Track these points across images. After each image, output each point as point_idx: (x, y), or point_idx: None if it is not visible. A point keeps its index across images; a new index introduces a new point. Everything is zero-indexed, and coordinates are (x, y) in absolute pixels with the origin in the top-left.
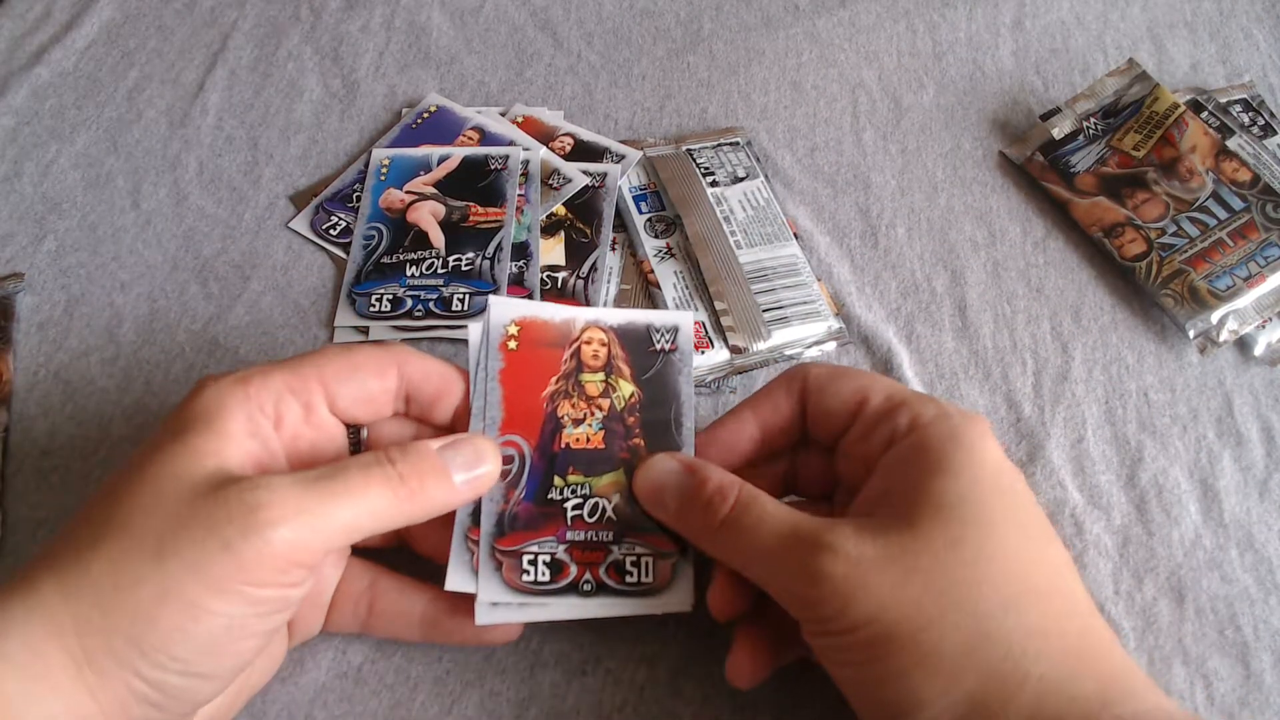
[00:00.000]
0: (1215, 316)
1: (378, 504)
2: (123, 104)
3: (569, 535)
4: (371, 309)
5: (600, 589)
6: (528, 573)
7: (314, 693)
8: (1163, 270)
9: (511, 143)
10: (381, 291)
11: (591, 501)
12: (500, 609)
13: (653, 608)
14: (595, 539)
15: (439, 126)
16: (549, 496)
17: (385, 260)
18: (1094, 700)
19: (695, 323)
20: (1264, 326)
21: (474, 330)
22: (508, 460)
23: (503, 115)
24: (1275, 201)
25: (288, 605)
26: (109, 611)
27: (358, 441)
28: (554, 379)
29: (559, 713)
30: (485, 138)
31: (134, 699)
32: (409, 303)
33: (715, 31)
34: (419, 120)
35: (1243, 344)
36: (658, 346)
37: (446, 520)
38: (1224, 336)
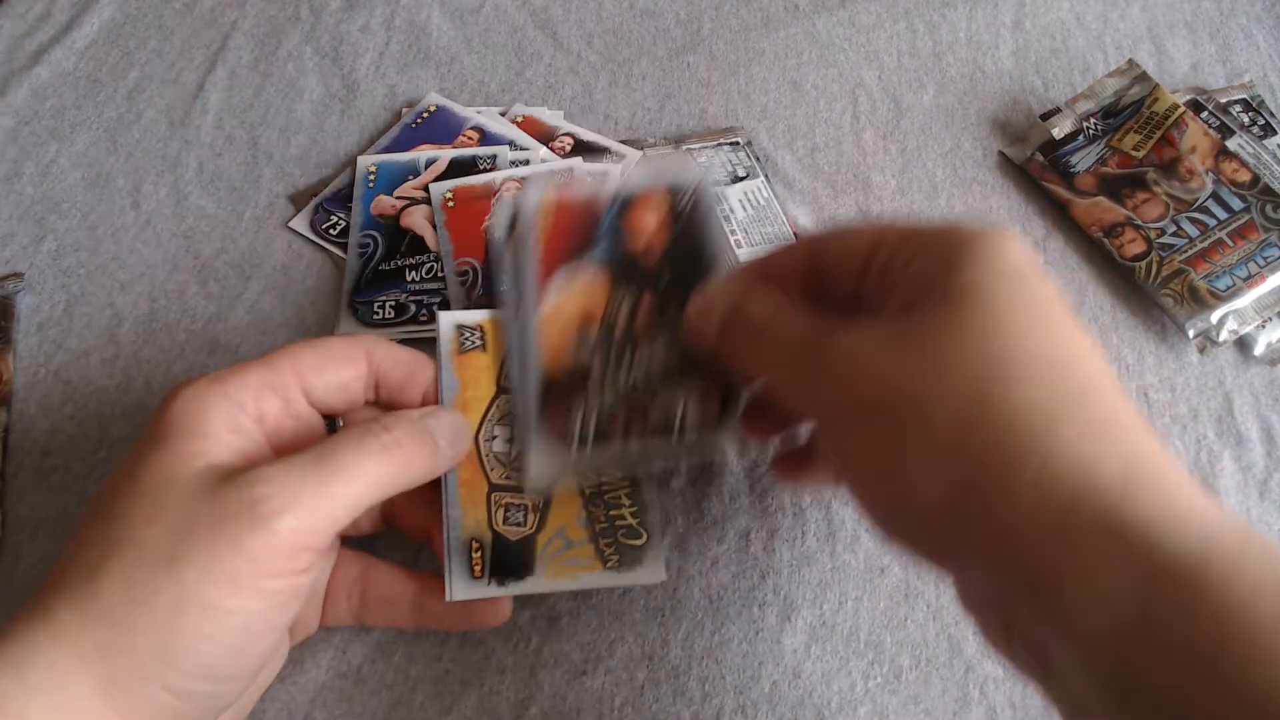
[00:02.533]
0: (1215, 316)
1: (374, 475)
2: (123, 104)
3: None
4: (375, 316)
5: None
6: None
7: (314, 692)
8: (1162, 270)
9: (511, 143)
10: (384, 298)
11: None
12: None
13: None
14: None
15: (439, 126)
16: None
17: (384, 267)
18: (1114, 485)
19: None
20: (1264, 326)
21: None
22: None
23: (503, 115)
24: (1275, 202)
25: (299, 594)
26: (128, 629)
27: (334, 430)
28: None
29: (559, 713)
30: (485, 138)
31: (161, 714)
32: (413, 308)
33: (715, 31)
34: (419, 120)
35: (1243, 344)
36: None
37: (427, 497)
38: (1224, 336)
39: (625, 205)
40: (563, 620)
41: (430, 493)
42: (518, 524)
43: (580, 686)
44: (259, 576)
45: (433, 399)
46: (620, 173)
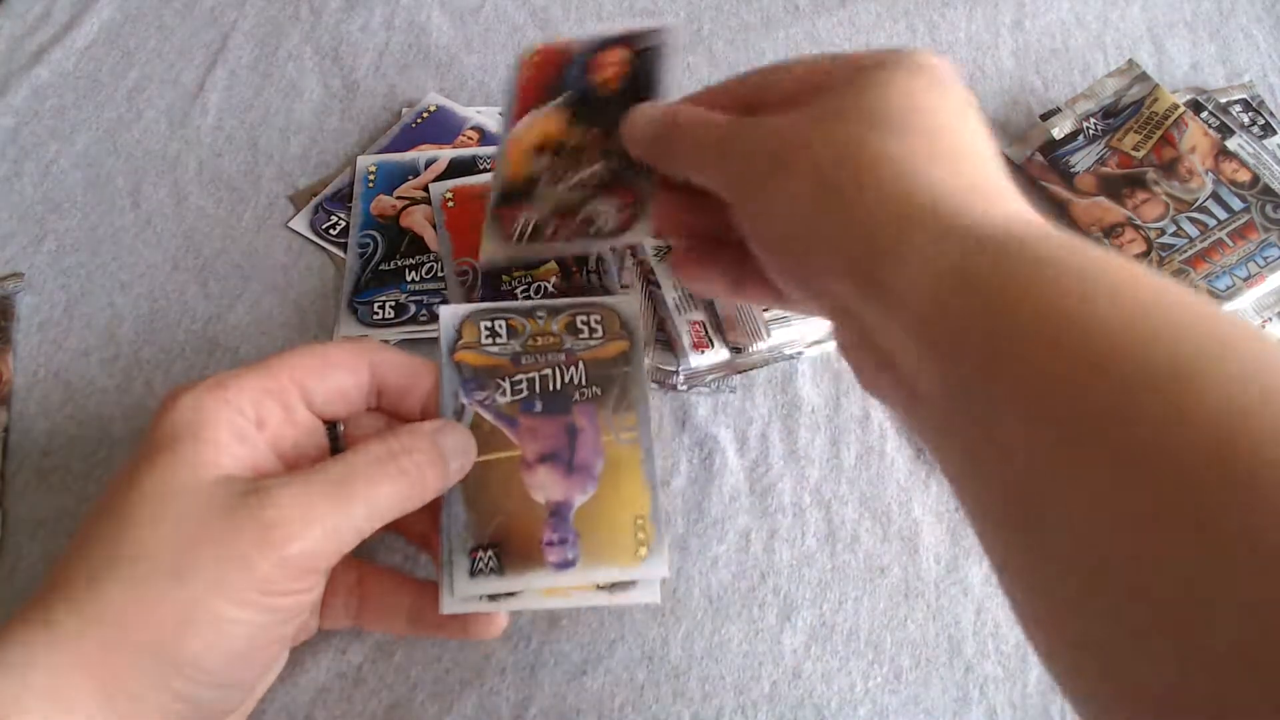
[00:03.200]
0: None
1: (388, 499)
2: (123, 104)
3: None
4: (375, 316)
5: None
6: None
7: (314, 693)
8: (1162, 270)
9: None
10: (384, 299)
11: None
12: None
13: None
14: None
15: (439, 126)
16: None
17: (384, 267)
18: (954, 194)
19: (694, 323)
20: (1264, 326)
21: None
22: None
23: (502, 115)
24: (1275, 202)
25: (303, 608)
26: (133, 633)
27: (335, 436)
28: None
29: (559, 713)
30: (485, 137)
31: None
32: (412, 308)
33: (715, 31)
34: (419, 120)
35: None
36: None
37: (430, 507)
38: None
39: (597, 48)
40: (563, 620)
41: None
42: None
43: (580, 686)
44: (265, 594)
45: (433, 406)
46: None
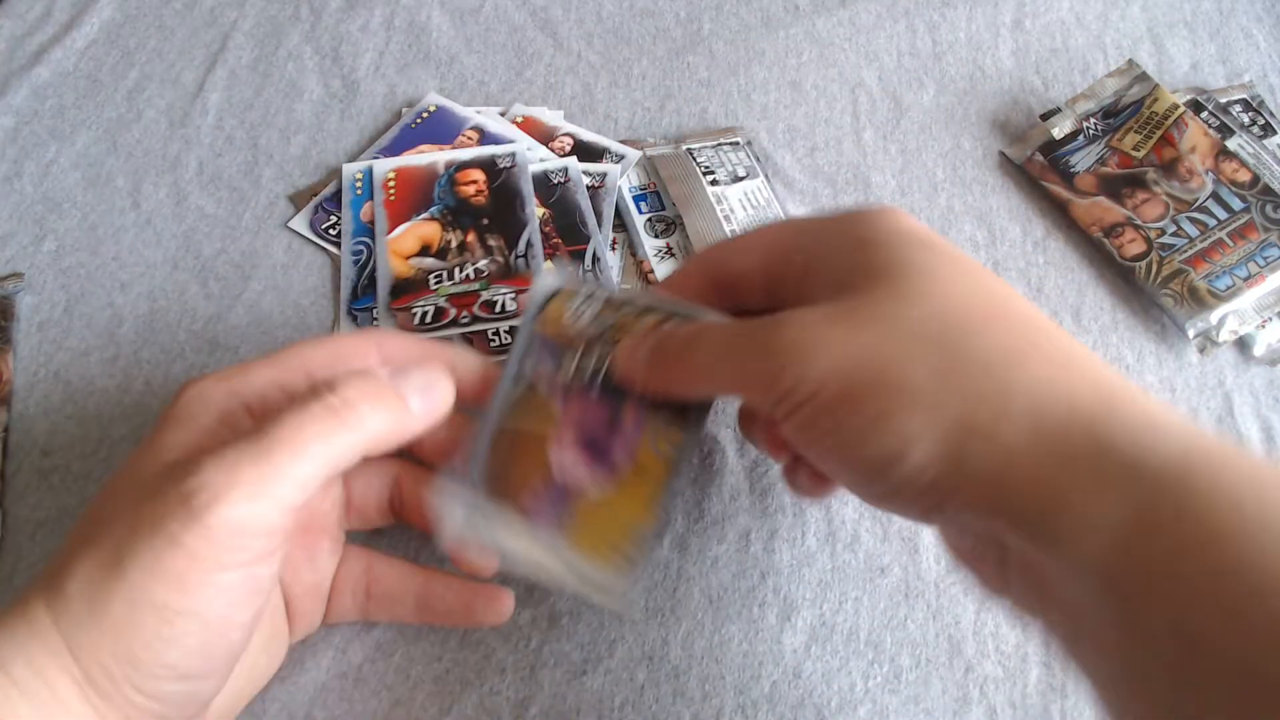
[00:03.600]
0: (1215, 316)
1: (323, 444)
2: (123, 104)
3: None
4: (374, 323)
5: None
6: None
7: (314, 692)
8: (1162, 270)
9: (510, 143)
10: (423, 306)
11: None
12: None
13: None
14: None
15: (439, 126)
16: None
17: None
18: (1094, 408)
19: None
20: (1264, 326)
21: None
22: None
23: (502, 115)
24: (1275, 202)
25: (260, 586)
26: (89, 630)
27: None
28: None
29: (559, 712)
30: (485, 137)
31: (138, 713)
32: (452, 311)
33: (715, 31)
34: (419, 120)
35: (1243, 344)
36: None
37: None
38: (1224, 336)
39: (457, 169)
40: (563, 620)
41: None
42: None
43: (580, 686)
44: (206, 572)
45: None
46: (620, 172)
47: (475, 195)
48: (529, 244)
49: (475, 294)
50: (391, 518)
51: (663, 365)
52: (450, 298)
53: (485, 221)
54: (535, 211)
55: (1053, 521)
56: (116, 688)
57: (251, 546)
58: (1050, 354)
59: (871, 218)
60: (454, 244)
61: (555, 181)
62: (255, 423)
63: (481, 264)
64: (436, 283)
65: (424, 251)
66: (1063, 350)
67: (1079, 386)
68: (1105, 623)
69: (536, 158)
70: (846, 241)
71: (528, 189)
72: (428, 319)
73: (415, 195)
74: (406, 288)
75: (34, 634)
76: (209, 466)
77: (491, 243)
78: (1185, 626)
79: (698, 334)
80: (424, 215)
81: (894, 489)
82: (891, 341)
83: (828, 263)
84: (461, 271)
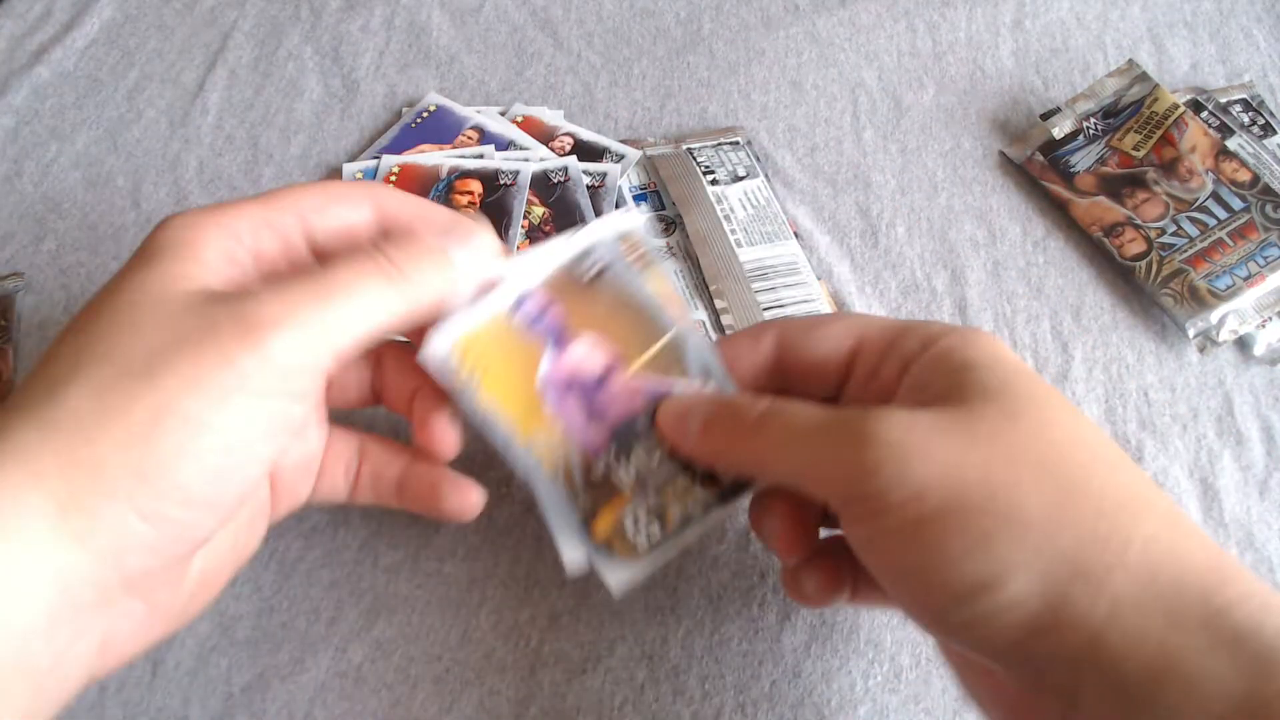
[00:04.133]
0: (1215, 316)
1: (376, 299)
2: (123, 104)
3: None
4: None
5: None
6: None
7: (314, 692)
8: (1163, 270)
9: (511, 143)
10: None
11: None
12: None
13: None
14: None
15: (439, 126)
16: None
17: None
18: (1209, 572)
19: (695, 323)
20: (1264, 326)
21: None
22: None
23: (502, 115)
24: (1275, 201)
25: (289, 424)
26: (97, 440)
27: None
28: None
29: (559, 712)
30: (485, 137)
31: (129, 540)
32: None
33: (715, 31)
34: (419, 120)
35: (1243, 343)
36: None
37: (416, 371)
38: (1224, 336)
39: (458, 176)
40: (563, 619)
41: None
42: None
43: (580, 686)
44: (248, 393)
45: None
46: (620, 172)
47: (466, 206)
48: None
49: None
50: (371, 398)
51: (725, 437)
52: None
53: None
54: (519, 235)
55: (1157, 686)
56: (113, 506)
57: (298, 382)
58: (1165, 511)
59: (976, 339)
60: None
61: (555, 181)
62: (293, 266)
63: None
64: None
65: None
66: (1174, 510)
67: (1194, 550)
68: None
69: (537, 157)
70: (952, 357)
71: (518, 210)
72: None
73: (414, 193)
74: None
75: (9, 452)
76: (270, 297)
77: None
78: None
79: (776, 412)
80: None
81: (978, 618)
82: (1006, 463)
83: (931, 372)
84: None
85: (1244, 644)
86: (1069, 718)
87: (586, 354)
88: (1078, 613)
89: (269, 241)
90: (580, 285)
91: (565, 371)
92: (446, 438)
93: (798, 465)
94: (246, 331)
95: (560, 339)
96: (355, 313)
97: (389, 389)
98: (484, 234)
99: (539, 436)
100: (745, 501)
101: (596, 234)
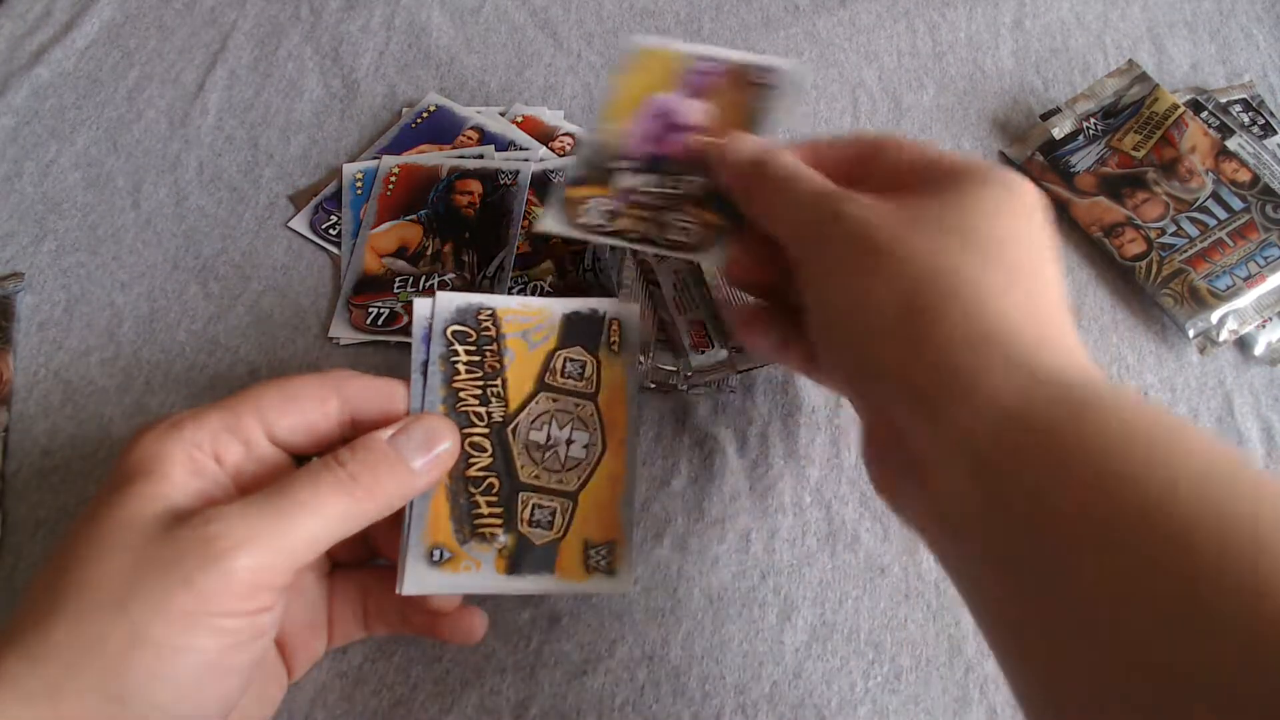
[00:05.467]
0: (1215, 316)
1: (334, 511)
2: (123, 104)
3: None
4: (368, 320)
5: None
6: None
7: (314, 693)
8: (1163, 270)
9: (511, 143)
10: (379, 304)
11: None
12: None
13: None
14: None
15: (439, 126)
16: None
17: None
18: (1029, 338)
19: (695, 323)
20: (1264, 326)
21: (419, 310)
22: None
23: (502, 115)
24: (1275, 202)
25: (261, 632)
26: (79, 673)
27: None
28: None
29: (559, 712)
30: (485, 137)
31: None
32: (405, 317)
33: (715, 31)
34: (419, 120)
35: (1243, 344)
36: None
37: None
38: (1224, 336)
39: (458, 177)
40: (563, 620)
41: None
42: (544, 526)
43: (580, 686)
44: (211, 615)
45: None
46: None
47: (466, 206)
48: (500, 267)
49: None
50: (366, 555)
51: (758, 182)
52: (407, 304)
53: (466, 235)
54: (518, 235)
55: (944, 406)
56: None
57: (260, 597)
58: (1024, 294)
59: (1001, 177)
60: (430, 251)
61: (556, 181)
62: (235, 478)
63: (448, 277)
64: (400, 286)
65: (400, 252)
66: (1037, 295)
67: (1022, 316)
68: (973, 510)
69: (537, 157)
70: (963, 175)
71: (519, 210)
72: (380, 320)
73: (411, 195)
74: (372, 285)
75: (7, 688)
76: (230, 517)
77: (465, 257)
78: (1045, 500)
79: (795, 174)
80: (410, 216)
81: (851, 342)
82: (909, 238)
83: (936, 180)
84: (427, 281)
85: (1024, 369)
86: (903, 459)
87: (695, 109)
88: (906, 340)
89: (232, 447)
90: (740, 82)
91: (670, 106)
92: (475, 629)
93: (786, 225)
94: (207, 556)
95: (694, 93)
96: (314, 529)
97: (383, 546)
98: (444, 433)
99: (611, 125)
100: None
101: (778, 62)
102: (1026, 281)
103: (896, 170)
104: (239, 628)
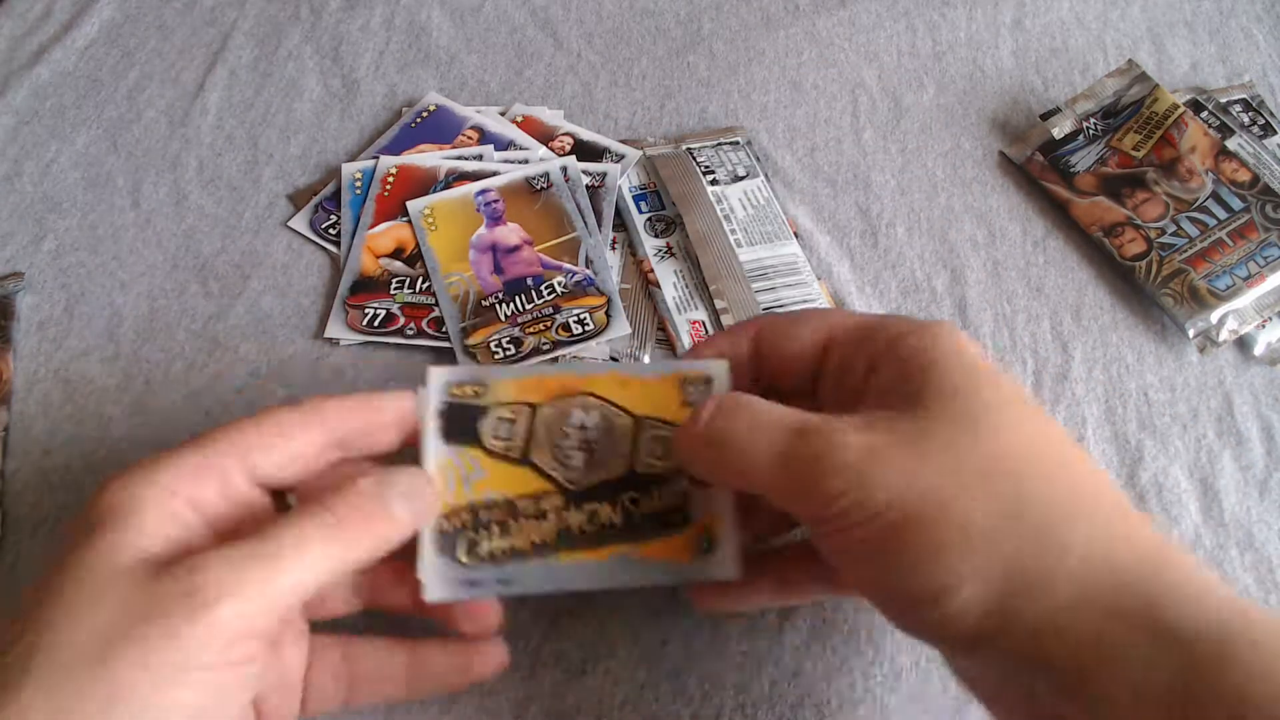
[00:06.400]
0: (1215, 316)
1: (320, 557)
2: (123, 104)
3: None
4: (364, 322)
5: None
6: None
7: None
8: (1162, 270)
9: (511, 143)
10: (376, 305)
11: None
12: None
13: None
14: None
15: (438, 126)
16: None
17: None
18: (1139, 569)
19: (694, 323)
20: (1264, 326)
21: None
22: None
23: (502, 115)
24: (1275, 201)
25: (245, 684)
26: None
27: (287, 508)
28: None
29: (559, 712)
30: (485, 137)
31: None
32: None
33: (715, 31)
34: (418, 120)
35: (1242, 344)
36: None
37: (408, 571)
38: (1224, 336)
39: (456, 178)
40: (563, 620)
41: (412, 565)
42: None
43: (580, 686)
44: (197, 669)
45: (413, 433)
46: (620, 172)
47: None
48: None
49: (428, 307)
50: (358, 605)
51: (694, 444)
52: (404, 306)
53: None
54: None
55: (1093, 679)
56: None
57: (244, 647)
58: (1107, 511)
59: (938, 337)
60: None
61: (538, 188)
62: (210, 525)
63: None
64: (397, 288)
65: (397, 253)
66: (1117, 507)
67: (1125, 548)
68: None
69: (537, 157)
70: (916, 359)
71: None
72: (376, 322)
73: (409, 195)
74: (368, 286)
75: None
76: (212, 566)
77: None
78: None
79: (744, 425)
80: (407, 218)
81: (934, 622)
82: (957, 477)
83: (895, 375)
84: (424, 282)
85: (1170, 638)
86: (1032, 708)
87: (510, 232)
88: (1022, 619)
89: (209, 489)
90: (521, 192)
91: (490, 239)
92: (499, 655)
93: (761, 483)
94: (191, 607)
95: (496, 219)
96: (299, 575)
97: (380, 594)
98: (424, 488)
99: (456, 276)
100: None
101: (543, 168)
102: (1091, 487)
103: (806, 362)
104: (223, 681)
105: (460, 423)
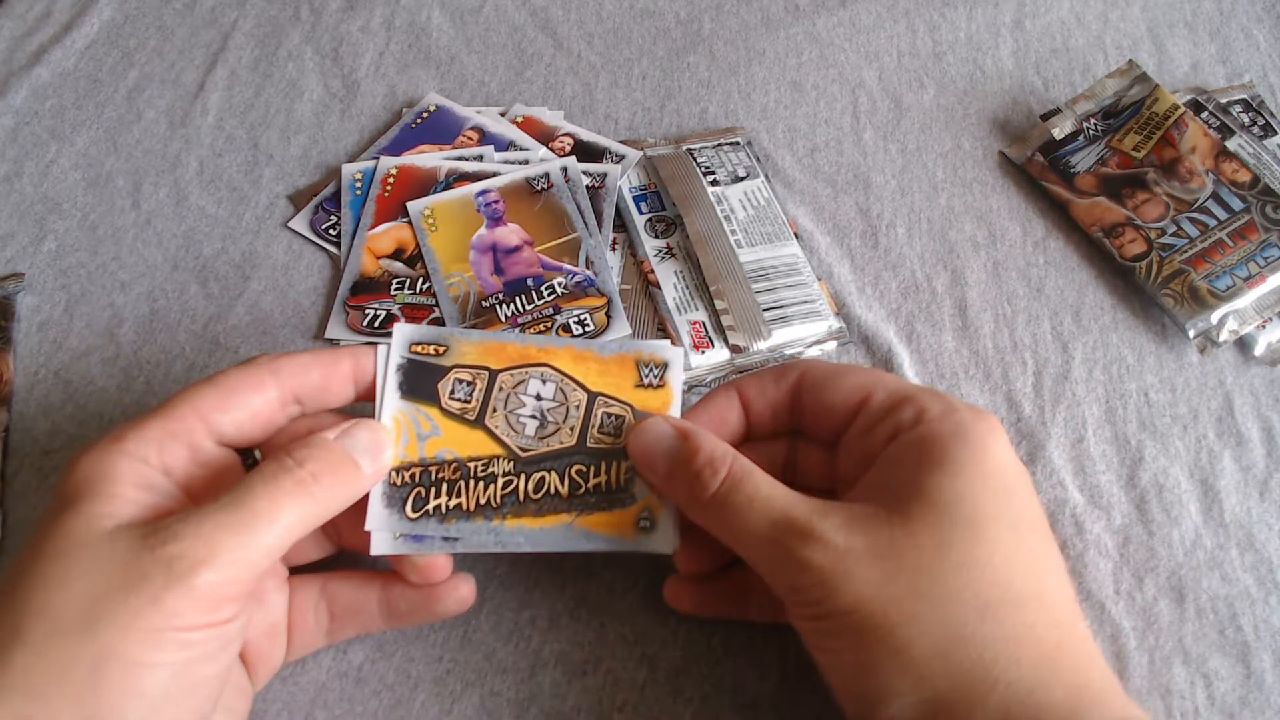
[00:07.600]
0: (1215, 316)
1: (293, 514)
2: (123, 104)
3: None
4: (365, 323)
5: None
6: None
7: (314, 693)
8: (1163, 270)
9: (511, 143)
10: (376, 305)
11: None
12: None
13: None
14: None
15: (439, 126)
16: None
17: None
18: (1062, 709)
19: (694, 323)
20: (1264, 326)
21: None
22: None
23: (502, 115)
24: (1275, 202)
25: (229, 642)
26: (48, 700)
27: (253, 463)
28: None
29: (559, 712)
30: (485, 137)
31: None
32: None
33: (715, 31)
34: (419, 120)
35: (1243, 344)
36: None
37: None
38: (1224, 336)
39: (456, 179)
40: (563, 620)
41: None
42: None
43: (580, 686)
44: (179, 629)
45: (368, 387)
46: (620, 172)
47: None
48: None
49: (429, 308)
50: (332, 549)
51: (684, 498)
52: (404, 306)
53: None
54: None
55: None
56: None
57: (226, 608)
58: (1043, 652)
59: (966, 431)
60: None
61: (539, 189)
62: (225, 492)
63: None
64: (397, 289)
65: (397, 254)
66: (1056, 648)
67: (1053, 691)
68: None
69: (537, 157)
70: (930, 452)
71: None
72: (376, 323)
73: (409, 196)
74: (368, 287)
75: None
76: (189, 532)
77: None
78: None
79: (743, 498)
80: (408, 218)
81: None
82: (914, 601)
83: (904, 455)
84: (424, 283)
85: None
86: None
87: (511, 233)
88: None
89: (177, 454)
90: (522, 194)
91: (490, 239)
92: (461, 592)
93: (747, 554)
94: (171, 574)
95: (496, 220)
96: (274, 536)
97: (348, 537)
98: (385, 441)
99: (456, 277)
100: None
101: (545, 167)
102: (1041, 627)
103: (844, 412)
104: (206, 639)
105: (419, 380)
